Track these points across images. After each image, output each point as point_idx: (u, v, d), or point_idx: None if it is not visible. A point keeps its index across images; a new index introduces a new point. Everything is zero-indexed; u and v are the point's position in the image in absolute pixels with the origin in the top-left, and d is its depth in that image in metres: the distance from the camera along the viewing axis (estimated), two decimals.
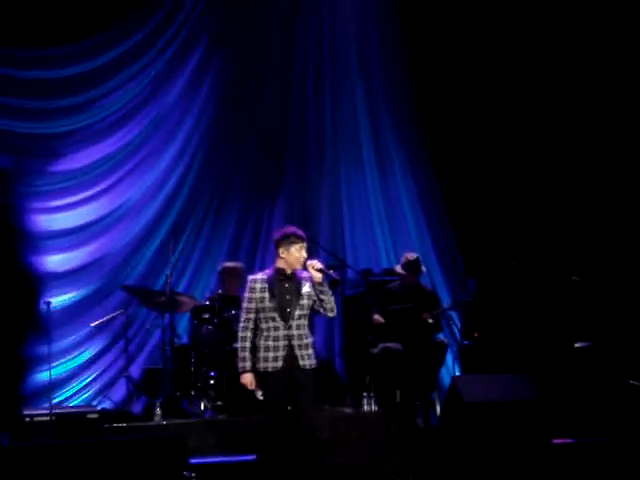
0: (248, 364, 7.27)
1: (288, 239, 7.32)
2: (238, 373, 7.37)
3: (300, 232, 7.39)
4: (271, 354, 7.21)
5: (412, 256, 9.88)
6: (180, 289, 10.54)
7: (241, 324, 7.35)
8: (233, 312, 9.54)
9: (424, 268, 9.98)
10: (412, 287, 9.86)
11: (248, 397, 7.74)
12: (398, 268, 9.94)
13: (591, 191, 11.15)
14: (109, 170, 10.81)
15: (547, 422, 8.48)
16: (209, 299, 9.97)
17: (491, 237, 11.28)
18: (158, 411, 9.04)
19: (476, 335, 10.32)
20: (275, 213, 11.57)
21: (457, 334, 10.72)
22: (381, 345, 9.70)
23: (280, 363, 7.20)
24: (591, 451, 7.82)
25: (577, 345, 9.70)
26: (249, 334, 7.29)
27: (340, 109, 11.89)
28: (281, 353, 7.21)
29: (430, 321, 9.72)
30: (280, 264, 7.35)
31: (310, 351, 7.31)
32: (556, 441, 8.19)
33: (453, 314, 10.49)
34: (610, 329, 10.07)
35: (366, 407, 9.49)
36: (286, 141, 11.69)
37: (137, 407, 9.88)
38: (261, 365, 7.24)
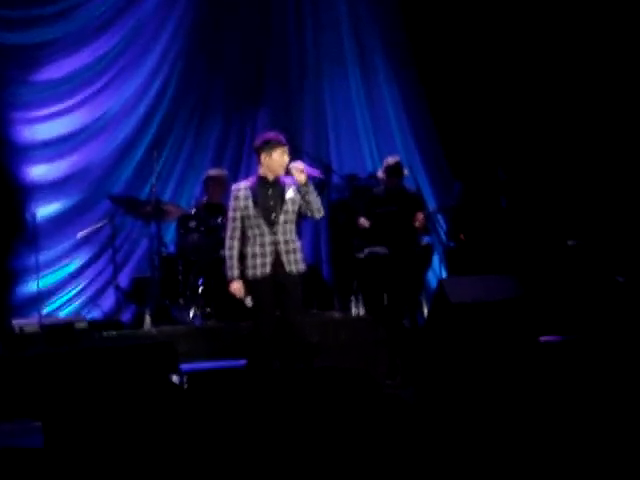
0: (236, 272, 7.29)
1: (269, 144, 7.26)
2: (226, 281, 7.40)
3: (281, 137, 7.33)
4: (259, 260, 7.23)
5: (392, 160, 9.82)
6: (165, 198, 10.52)
7: (228, 233, 7.35)
8: (219, 220, 9.55)
9: (406, 171, 9.93)
10: (396, 191, 9.82)
11: (236, 303, 7.80)
12: (380, 173, 9.91)
13: (577, 90, 11.10)
14: (88, 80, 10.69)
15: (534, 320, 8.56)
16: (195, 208, 9.96)
17: (476, 139, 11.26)
18: (147, 319, 9.10)
19: (462, 237, 10.35)
20: (258, 122, 11.50)
21: (443, 236, 10.75)
22: (367, 249, 9.70)
23: (268, 269, 7.22)
24: (578, 348, 7.91)
25: (568, 243, 9.76)
26: (236, 243, 7.30)
27: (321, 15, 11.73)
28: (268, 259, 7.22)
29: (417, 224, 9.71)
30: (263, 171, 7.32)
31: (298, 256, 7.32)
32: (543, 339, 8.28)
33: (439, 217, 10.51)
34: (597, 227, 10.12)
35: (354, 311, 9.57)
36: (268, 51, 11.57)
37: (126, 316, 9.95)
38: (249, 272, 7.25)
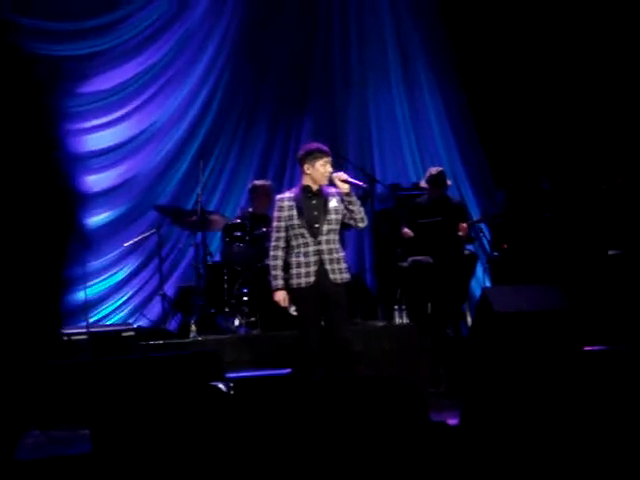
0: (280, 282, 7.35)
1: (312, 154, 7.33)
2: (271, 290, 7.47)
3: (324, 147, 7.40)
4: (303, 270, 7.29)
5: (435, 170, 9.86)
6: (211, 208, 10.62)
7: (272, 243, 7.42)
8: (264, 229, 9.61)
9: (449, 181, 9.97)
10: (439, 200, 9.86)
11: (281, 313, 7.86)
12: (423, 183, 9.94)
13: (618, 100, 11.05)
14: (136, 91, 10.84)
15: (578, 330, 8.53)
16: (240, 217, 10.04)
17: (519, 149, 11.25)
18: (193, 328, 9.15)
19: (505, 247, 10.34)
20: (302, 132, 11.57)
21: (487, 246, 10.76)
22: (411, 259, 9.75)
23: (312, 278, 7.28)
24: (623, 358, 7.87)
25: (609, 253, 9.70)
26: (280, 253, 7.37)
27: (366, 28, 11.78)
28: (312, 268, 7.28)
29: (460, 234, 9.73)
30: (306, 181, 7.38)
31: (342, 265, 7.37)
32: (587, 348, 8.25)
33: (483, 226, 10.53)
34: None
35: (397, 320, 9.59)
36: (312, 62, 11.64)
37: (172, 324, 10.03)
38: (294, 281, 7.32)
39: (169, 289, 10.37)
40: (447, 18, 11.70)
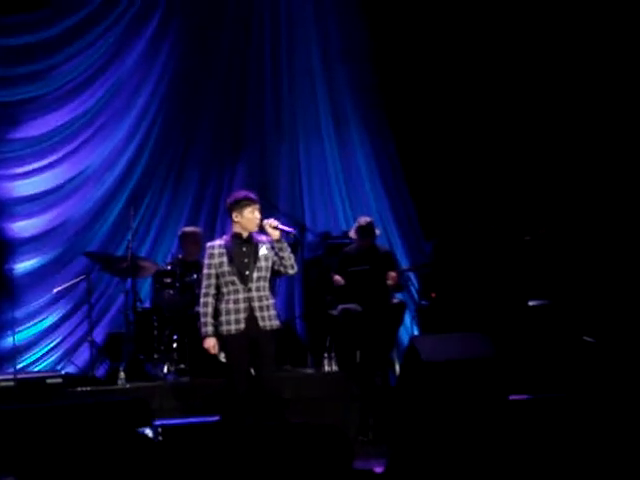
0: (210, 328, 7.39)
1: (239, 203, 7.42)
2: (201, 337, 7.49)
3: (251, 194, 7.49)
4: (233, 317, 7.33)
5: (364, 221, 9.97)
6: (142, 254, 10.61)
7: (202, 290, 7.47)
8: (194, 276, 9.63)
9: (378, 231, 10.11)
10: (367, 249, 9.98)
11: (210, 360, 7.85)
12: (352, 233, 10.07)
13: (544, 152, 11.27)
14: (67, 138, 10.84)
15: (503, 379, 8.65)
16: (170, 264, 10.03)
17: (447, 200, 11.40)
18: (122, 375, 9.10)
19: (434, 296, 10.46)
20: (235, 180, 11.62)
21: (415, 295, 10.87)
22: (340, 307, 9.82)
23: (242, 325, 7.33)
24: (546, 407, 7.99)
25: (531, 303, 9.86)
26: (210, 299, 7.41)
27: (297, 78, 11.89)
28: (242, 315, 7.33)
29: (390, 282, 9.84)
30: (236, 228, 7.46)
31: (272, 312, 7.43)
32: (512, 397, 8.35)
33: (411, 275, 10.65)
34: (564, 287, 10.24)
35: (327, 368, 9.62)
36: (244, 110, 11.72)
37: (100, 371, 9.96)
38: (224, 328, 7.37)
39: (98, 335, 10.31)
40: (378, 68, 11.85)
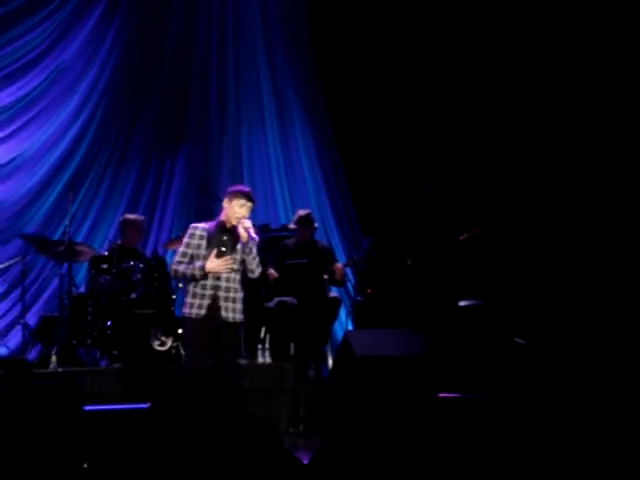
0: (198, 263, 7.26)
1: (236, 194, 7.41)
2: (201, 272, 7.29)
3: (250, 193, 7.48)
4: (197, 301, 7.31)
5: (304, 212, 10.10)
6: (79, 239, 10.55)
7: (173, 265, 7.40)
8: (131, 263, 9.61)
9: (317, 224, 10.19)
10: (306, 243, 10.05)
11: (143, 347, 7.83)
12: (291, 224, 10.15)
13: (477, 149, 11.37)
14: (6, 120, 10.76)
15: (435, 376, 8.73)
16: (108, 250, 9.99)
17: (386, 197, 11.48)
18: (54, 359, 9.07)
19: (369, 292, 10.52)
20: (176, 168, 11.63)
21: (351, 290, 10.94)
22: (276, 299, 9.87)
23: (203, 311, 7.30)
24: (476, 406, 8.08)
25: (462, 304, 9.96)
26: (181, 267, 7.34)
27: (242, 66, 11.93)
28: (205, 302, 7.30)
29: (325, 277, 9.91)
30: (223, 216, 7.45)
31: (237, 305, 7.38)
32: (442, 395, 8.44)
33: (348, 271, 10.72)
34: (496, 288, 10.37)
35: (260, 359, 9.66)
36: (188, 98, 11.73)
37: (32, 355, 9.91)
38: (186, 310, 7.36)
39: (31, 319, 10.24)
40: (321, 66, 11.90)
